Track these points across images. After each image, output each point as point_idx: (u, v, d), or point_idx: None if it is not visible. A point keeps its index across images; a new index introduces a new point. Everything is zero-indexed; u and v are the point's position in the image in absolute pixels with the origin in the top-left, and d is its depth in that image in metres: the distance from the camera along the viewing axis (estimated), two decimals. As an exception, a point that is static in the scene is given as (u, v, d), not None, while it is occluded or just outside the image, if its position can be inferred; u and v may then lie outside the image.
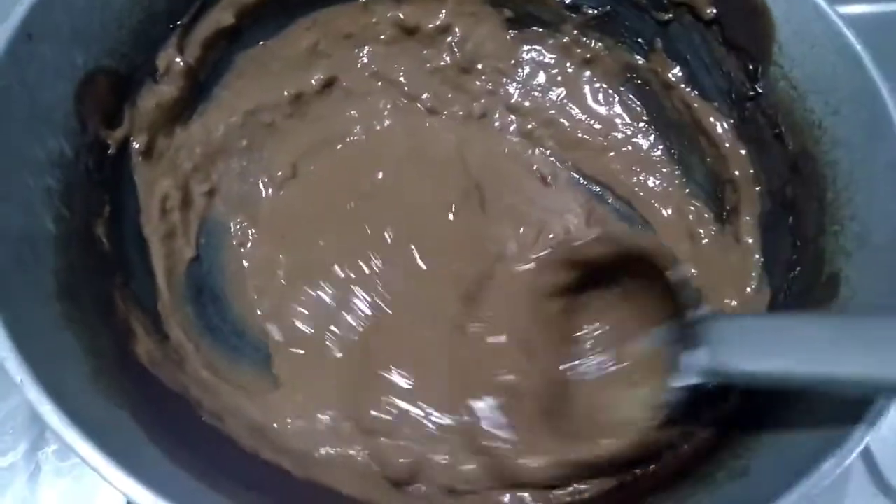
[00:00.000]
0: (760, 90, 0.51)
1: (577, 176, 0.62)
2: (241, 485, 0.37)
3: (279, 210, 0.57)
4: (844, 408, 0.36)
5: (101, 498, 0.51)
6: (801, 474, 0.34)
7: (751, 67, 0.51)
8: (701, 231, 0.56)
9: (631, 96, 0.61)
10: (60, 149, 0.42)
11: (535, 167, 0.61)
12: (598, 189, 0.61)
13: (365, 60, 0.61)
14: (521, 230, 0.58)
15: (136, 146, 0.49)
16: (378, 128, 0.61)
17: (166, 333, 0.46)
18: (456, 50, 0.62)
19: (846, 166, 0.45)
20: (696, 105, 0.56)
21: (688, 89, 0.56)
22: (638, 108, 0.61)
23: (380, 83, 0.62)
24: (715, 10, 0.52)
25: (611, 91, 0.62)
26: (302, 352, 0.52)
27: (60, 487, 0.52)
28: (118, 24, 0.46)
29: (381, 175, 0.59)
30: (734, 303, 0.51)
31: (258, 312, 0.53)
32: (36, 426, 0.53)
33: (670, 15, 0.55)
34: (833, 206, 0.45)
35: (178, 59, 0.51)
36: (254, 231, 0.56)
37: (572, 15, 0.59)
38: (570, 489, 0.45)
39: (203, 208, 0.54)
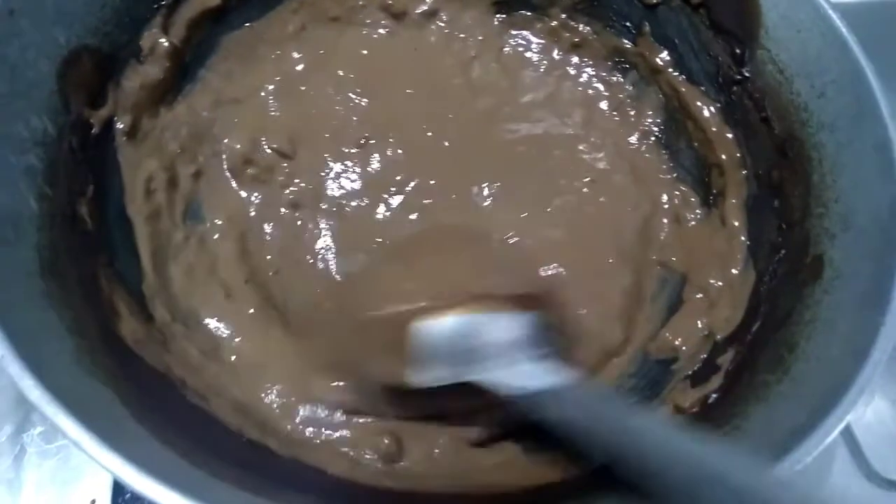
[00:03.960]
0: (747, 74, 0.51)
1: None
2: (226, 463, 0.37)
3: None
4: (824, 389, 0.37)
5: (86, 480, 0.51)
6: (783, 452, 0.34)
7: (737, 51, 0.51)
8: (687, 214, 0.56)
9: (619, 80, 0.61)
10: (43, 127, 0.42)
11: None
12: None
13: (352, 44, 0.61)
14: None
15: (120, 126, 0.49)
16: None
17: (151, 313, 0.46)
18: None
19: (832, 149, 0.45)
20: (683, 89, 0.56)
21: (675, 73, 0.56)
22: (625, 93, 0.61)
23: (366, 66, 0.61)
24: (702, -6, 0.52)
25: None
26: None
27: (45, 469, 0.52)
28: (102, 3, 0.46)
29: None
30: (719, 283, 0.51)
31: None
32: (21, 408, 0.53)
33: (658, -2, 0.55)
34: (818, 189, 0.45)
35: (162, 40, 0.51)
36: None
37: (560, -2, 0.59)
38: None
39: (189, 190, 0.54)
